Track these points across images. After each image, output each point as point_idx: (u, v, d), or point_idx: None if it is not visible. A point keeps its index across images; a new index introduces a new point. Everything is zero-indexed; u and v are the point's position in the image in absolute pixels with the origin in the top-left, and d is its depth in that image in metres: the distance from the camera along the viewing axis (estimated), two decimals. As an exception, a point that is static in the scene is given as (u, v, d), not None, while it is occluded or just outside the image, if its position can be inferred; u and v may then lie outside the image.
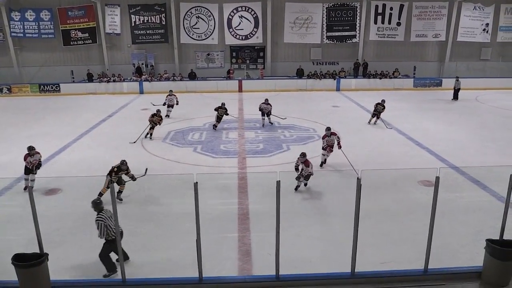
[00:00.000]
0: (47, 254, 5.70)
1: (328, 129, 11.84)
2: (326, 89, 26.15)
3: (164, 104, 18.44)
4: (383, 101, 17.12)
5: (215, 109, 16.30)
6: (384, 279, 6.02)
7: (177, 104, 18.61)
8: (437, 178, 5.68)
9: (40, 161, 10.18)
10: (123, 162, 9.15)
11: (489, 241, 5.95)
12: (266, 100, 16.88)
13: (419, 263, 6.14)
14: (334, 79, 26.66)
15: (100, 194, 8.72)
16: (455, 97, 23.09)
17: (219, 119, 16.26)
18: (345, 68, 27.58)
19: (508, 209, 6.01)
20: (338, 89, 26.44)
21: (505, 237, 6.02)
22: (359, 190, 5.51)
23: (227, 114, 16.46)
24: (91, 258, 7.05)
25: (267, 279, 6.03)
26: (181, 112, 19.11)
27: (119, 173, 9.11)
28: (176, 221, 8.40)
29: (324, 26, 27.00)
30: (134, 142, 14.37)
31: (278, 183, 5.49)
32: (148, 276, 6.25)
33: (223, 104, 16.47)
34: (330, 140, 11.69)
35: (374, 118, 16.92)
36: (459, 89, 23.05)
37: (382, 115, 16.87)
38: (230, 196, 9.83)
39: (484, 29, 27.56)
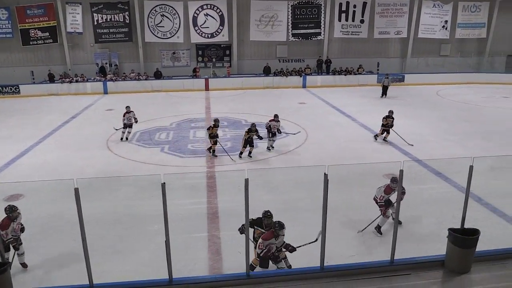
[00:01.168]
0: (9, 263, 5.50)
1: (394, 180, 7.88)
2: (293, 86, 26.40)
3: (124, 126, 14.72)
4: (391, 112, 14.47)
5: (247, 132, 12.68)
6: (352, 271, 6.13)
7: (136, 122, 14.89)
8: (401, 171, 5.83)
9: (23, 226, 6.91)
10: (267, 213, 6.60)
11: (451, 230, 6.15)
12: (276, 116, 13.57)
13: (386, 254, 6.29)
14: (300, 76, 26.92)
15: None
16: (384, 93, 23.09)
17: (248, 143, 12.67)
18: (310, 65, 27.89)
19: (468, 199, 6.24)
20: (304, 86, 26.73)
21: (466, 226, 6.25)
22: (326, 185, 5.58)
23: (260, 138, 12.92)
24: (57, 264, 6.86)
25: (237, 277, 6.02)
26: (148, 112, 18.81)
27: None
28: (144, 223, 8.28)
29: (289, 23, 27.19)
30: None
31: (247, 181, 5.48)
32: (117, 279, 6.13)
33: (253, 125, 12.81)
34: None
35: (385, 134, 14.28)
36: (387, 86, 23.10)
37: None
38: (199, 195, 9.77)
39: (443, 26, 28.51)
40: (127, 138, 14.67)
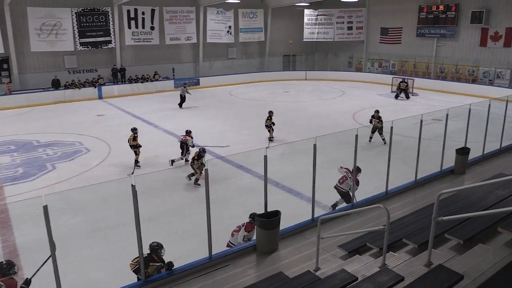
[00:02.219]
0: None
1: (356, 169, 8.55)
2: (88, 98, 24.73)
3: None
4: (271, 112, 15.35)
5: (196, 160, 11.11)
6: (175, 276, 6.17)
7: None
8: (206, 170, 6.13)
9: None
10: (158, 245, 6.22)
11: (257, 216, 6.77)
12: (189, 132, 12.92)
13: (206, 251, 6.52)
14: (95, 87, 25.48)
15: None
16: (180, 104, 21.89)
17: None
18: (104, 74, 26.60)
19: (267, 185, 6.94)
20: (100, 97, 25.39)
21: (269, 209, 6.94)
22: (135, 197, 5.45)
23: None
24: None
25: (50, 316, 5.40)
26: None
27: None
28: None
29: (76, 32, 25.36)
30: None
31: (45, 208, 4.95)
32: None
33: (203, 150, 11.40)
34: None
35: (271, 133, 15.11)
36: (185, 96, 21.89)
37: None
38: (-11, 235, 8.35)
39: (228, 31, 30.89)
40: None
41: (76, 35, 25.37)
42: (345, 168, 9.19)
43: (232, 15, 30.79)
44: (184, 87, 22.48)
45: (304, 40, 33.64)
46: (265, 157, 6.93)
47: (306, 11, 32.96)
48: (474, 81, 25.71)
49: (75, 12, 25.09)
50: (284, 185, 10.75)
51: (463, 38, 26.22)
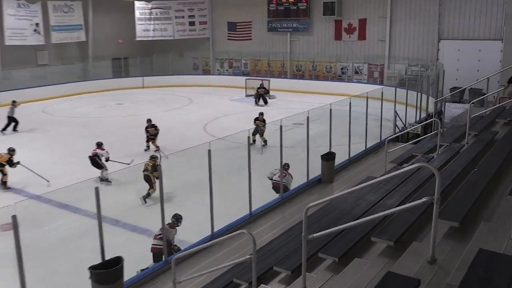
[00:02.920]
0: None
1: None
2: None
3: None
4: (150, 120, 17.04)
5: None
6: None
7: None
8: (14, 217, 5.56)
9: None
10: None
11: (93, 268, 6.29)
12: (100, 144, 13.76)
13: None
14: None
15: None
16: (15, 126, 20.33)
17: None
18: None
19: (102, 225, 6.58)
20: None
21: (108, 256, 6.54)
22: None
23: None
24: None
25: None
26: None
27: None
28: None
29: None
30: None
31: None
32: None
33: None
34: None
35: (150, 142, 16.73)
36: (12, 117, 20.33)
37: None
38: None
39: (35, 30, 28.81)
40: None
41: None
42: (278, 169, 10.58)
43: (39, 9, 28.87)
44: (14, 105, 20.41)
45: (137, 39, 33.37)
46: (97, 189, 6.60)
47: (137, 4, 32.79)
48: (332, 78, 28.51)
49: None
50: (126, 222, 10.36)
51: (317, 32, 28.96)
